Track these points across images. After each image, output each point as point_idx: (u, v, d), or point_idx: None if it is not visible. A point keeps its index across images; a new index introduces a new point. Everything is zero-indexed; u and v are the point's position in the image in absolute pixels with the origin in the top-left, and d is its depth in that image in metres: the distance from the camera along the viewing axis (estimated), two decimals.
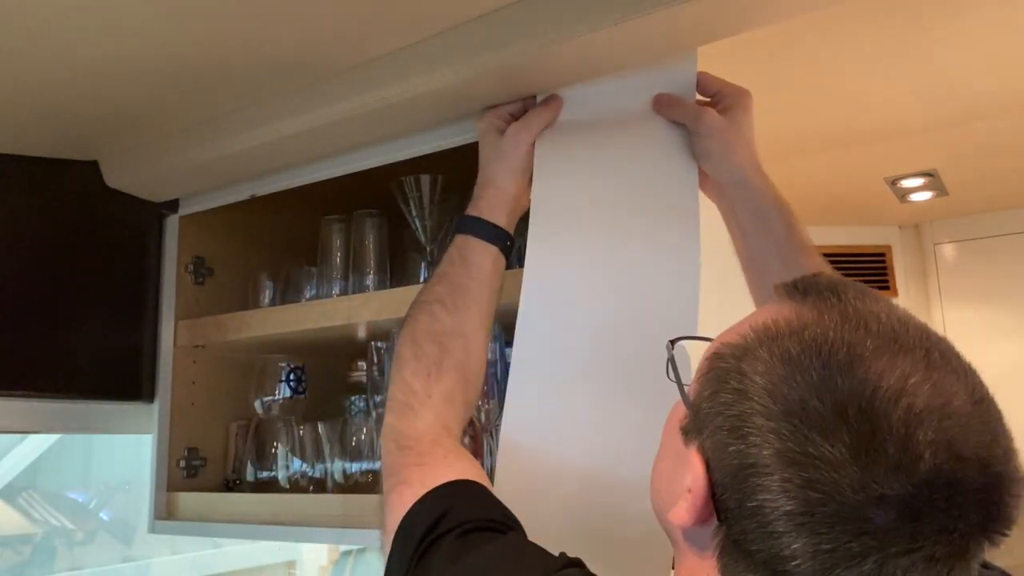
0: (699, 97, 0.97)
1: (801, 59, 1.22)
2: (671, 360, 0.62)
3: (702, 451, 0.53)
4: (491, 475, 0.85)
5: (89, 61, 0.94)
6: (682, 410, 0.58)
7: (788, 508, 0.47)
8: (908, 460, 0.45)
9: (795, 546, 0.47)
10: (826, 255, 0.90)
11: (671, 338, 0.66)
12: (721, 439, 0.51)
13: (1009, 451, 0.48)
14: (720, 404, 0.52)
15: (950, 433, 0.46)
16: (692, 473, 0.53)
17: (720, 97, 0.95)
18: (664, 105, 0.95)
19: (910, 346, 0.49)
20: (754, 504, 0.49)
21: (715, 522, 0.53)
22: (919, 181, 1.92)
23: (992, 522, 0.47)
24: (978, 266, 2.31)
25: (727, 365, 0.53)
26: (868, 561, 0.46)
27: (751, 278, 0.93)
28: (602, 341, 0.90)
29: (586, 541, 0.73)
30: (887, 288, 2.35)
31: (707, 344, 0.59)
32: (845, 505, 0.46)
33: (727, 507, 0.51)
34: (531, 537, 0.68)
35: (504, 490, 0.84)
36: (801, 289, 0.55)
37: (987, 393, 0.50)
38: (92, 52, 0.92)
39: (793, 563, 0.47)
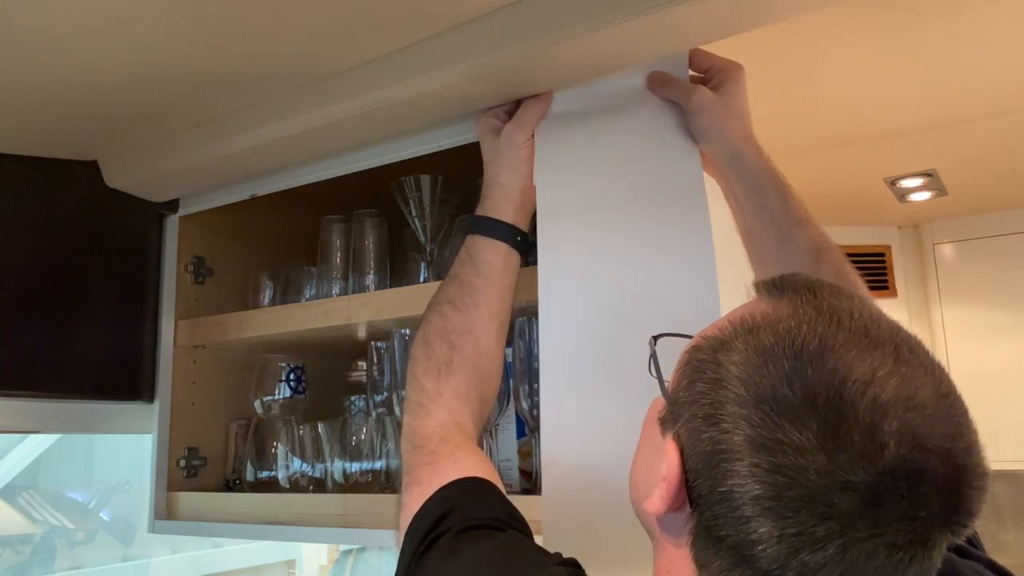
0: (691, 73, 0.97)
1: (801, 59, 1.22)
2: (653, 355, 0.63)
3: (677, 439, 0.54)
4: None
5: (89, 62, 0.94)
6: (661, 403, 0.59)
7: (756, 492, 0.48)
8: (873, 449, 0.46)
9: (762, 530, 0.48)
10: None
11: (654, 334, 0.66)
12: (695, 426, 0.53)
13: (972, 445, 0.49)
14: (696, 393, 0.53)
15: (914, 424, 0.47)
16: (667, 461, 0.54)
17: (712, 72, 0.96)
18: (657, 84, 0.95)
19: (880, 341, 0.50)
20: (724, 489, 0.50)
21: (688, 509, 0.54)
22: (919, 181, 1.92)
23: (953, 512, 0.47)
24: (977, 266, 2.30)
25: (704, 356, 0.54)
26: (831, 546, 0.47)
27: (750, 253, 0.94)
28: (624, 331, 0.88)
29: (629, 533, 0.73)
30: (886, 288, 2.35)
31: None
32: (810, 490, 0.47)
33: (699, 493, 0.52)
34: (583, 533, 0.68)
35: (551, 491, 0.85)
36: (779, 286, 0.57)
37: (953, 389, 0.51)
38: (93, 53, 0.92)
39: (759, 547, 0.48)
